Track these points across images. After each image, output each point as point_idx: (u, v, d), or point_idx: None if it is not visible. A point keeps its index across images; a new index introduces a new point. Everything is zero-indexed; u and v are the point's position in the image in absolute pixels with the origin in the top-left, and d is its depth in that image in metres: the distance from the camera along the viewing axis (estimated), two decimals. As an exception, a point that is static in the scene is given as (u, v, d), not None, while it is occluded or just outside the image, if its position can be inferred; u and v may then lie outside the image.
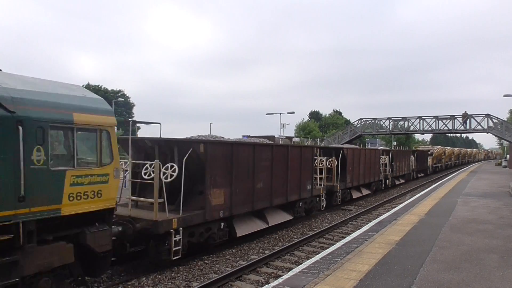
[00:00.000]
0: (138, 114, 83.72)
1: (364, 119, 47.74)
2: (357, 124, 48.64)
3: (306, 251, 11.27)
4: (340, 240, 10.87)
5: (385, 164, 27.88)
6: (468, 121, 40.55)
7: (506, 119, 51.55)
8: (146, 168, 9.44)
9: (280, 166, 13.36)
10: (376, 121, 46.29)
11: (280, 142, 18.81)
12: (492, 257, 7.99)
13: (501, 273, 6.95)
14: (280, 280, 6.73)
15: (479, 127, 39.92)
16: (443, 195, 18.87)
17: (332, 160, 18.63)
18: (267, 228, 12.75)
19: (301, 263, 8.38)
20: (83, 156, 6.97)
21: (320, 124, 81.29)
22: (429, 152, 48.56)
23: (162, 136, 10.97)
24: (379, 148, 37.91)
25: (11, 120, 5.62)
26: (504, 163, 59.31)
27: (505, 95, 33.46)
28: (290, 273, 7.07)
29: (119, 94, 79.06)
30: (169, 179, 9.06)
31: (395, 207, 16.10)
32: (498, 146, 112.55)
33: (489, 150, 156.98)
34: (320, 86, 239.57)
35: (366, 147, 53.72)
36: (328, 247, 9.64)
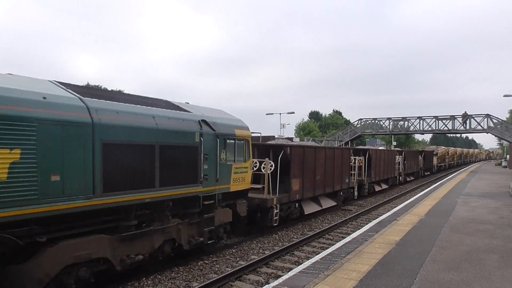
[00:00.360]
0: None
1: (364, 119, 47.67)
2: (357, 124, 48.58)
3: (306, 251, 11.27)
4: (340, 240, 10.87)
5: (399, 163, 30.93)
6: (468, 121, 40.51)
7: (506, 119, 51.55)
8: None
9: (330, 164, 17.42)
10: (376, 121, 46.22)
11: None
12: (492, 257, 7.99)
13: (501, 273, 6.95)
14: (280, 280, 6.73)
15: (479, 127, 39.88)
16: (443, 195, 18.88)
17: (361, 159, 22.10)
18: (321, 210, 16.68)
19: (301, 263, 8.39)
20: (238, 156, 10.61)
21: (320, 124, 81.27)
22: (434, 153, 49.54)
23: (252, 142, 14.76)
24: (394, 149, 39.77)
25: (214, 135, 9.58)
26: (504, 163, 59.29)
27: (505, 95, 33.41)
28: (290, 273, 7.07)
29: (119, 94, 78.77)
30: (268, 172, 12.85)
31: (395, 207, 16.11)
32: (498, 147, 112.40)
33: (490, 150, 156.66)
34: (320, 86, 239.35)
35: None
36: (328, 247, 9.64)
